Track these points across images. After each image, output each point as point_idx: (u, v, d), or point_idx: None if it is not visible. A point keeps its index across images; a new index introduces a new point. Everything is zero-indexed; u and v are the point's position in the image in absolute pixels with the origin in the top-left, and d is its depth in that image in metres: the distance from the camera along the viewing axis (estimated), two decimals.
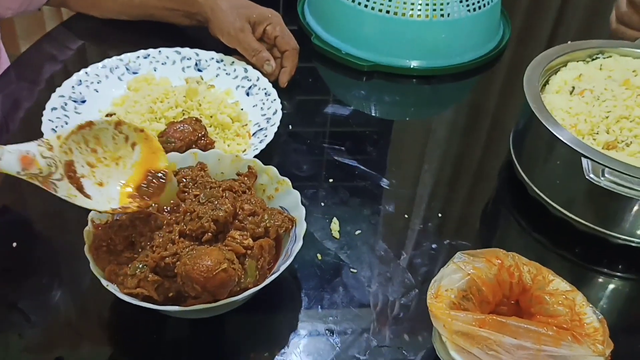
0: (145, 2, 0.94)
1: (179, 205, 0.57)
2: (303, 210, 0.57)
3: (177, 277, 0.49)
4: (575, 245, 0.68)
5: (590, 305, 0.53)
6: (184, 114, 0.74)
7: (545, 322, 0.52)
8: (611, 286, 0.67)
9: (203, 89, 0.78)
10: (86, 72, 0.81)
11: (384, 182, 0.74)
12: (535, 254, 0.66)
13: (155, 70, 0.85)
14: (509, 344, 0.49)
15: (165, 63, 0.86)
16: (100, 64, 0.83)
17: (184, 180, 0.58)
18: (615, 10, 0.91)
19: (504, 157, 0.78)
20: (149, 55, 0.86)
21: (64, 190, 0.51)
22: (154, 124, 0.72)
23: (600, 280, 0.67)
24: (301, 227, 0.56)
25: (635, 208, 0.64)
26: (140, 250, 0.51)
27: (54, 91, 0.77)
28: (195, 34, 0.94)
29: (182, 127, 0.69)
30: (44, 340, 0.55)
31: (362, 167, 0.76)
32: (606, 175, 0.62)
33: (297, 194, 0.59)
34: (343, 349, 0.56)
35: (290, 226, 0.56)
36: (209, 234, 0.52)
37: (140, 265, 0.50)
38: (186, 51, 0.87)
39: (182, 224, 0.52)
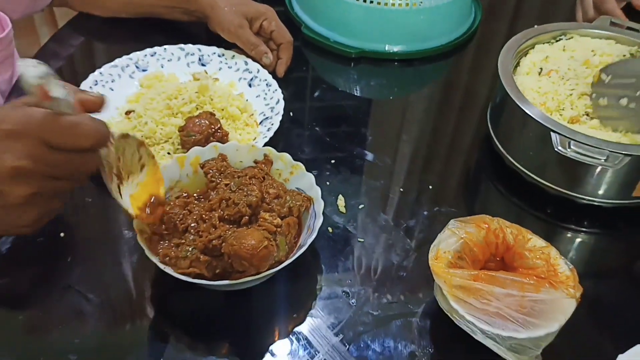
0: (146, 1, 1.00)
1: (207, 193, 0.65)
2: (319, 190, 0.66)
3: (225, 256, 0.58)
4: (547, 206, 0.79)
5: (562, 257, 0.63)
6: (197, 108, 0.81)
7: (526, 273, 0.63)
8: (578, 239, 0.77)
9: (211, 83, 0.86)
10: (100, 72, 0.88)
11: (379, 160, 0.84)
12: (513, 215, 0.77)
13: (162, 67, 0.92)
14: (499, 293, 0.59)
15: (171, 60, 0.93)
16: (111, 64, 0.89)
17: (211, 171, 0.67)
18: (580, 13, 1.00)
19: (483, 131, 0.88)
20: (155, 52, 0.93)
21: (115, 186, 0.59)
22: (172, 119, 0.80)
23: (569, 234, 0.78)
24: (319, 204, 0.65)
25: (596, 173, 0.74)
26: (184, 235, 0.60)
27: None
28: (195, 29, 1.01)
29: (199, 122, 0.77)
30: (100, 316, 0.63)
31: (358, 148, 0.85)
32: (572, 147, 0.72)
33: (310, 176, 0.68)
34: (358, 307, 0.66)
35: (309, 204, 0.65)
36: (246, 217, 0.61)
37: (190, 249, 0.58)
38: (189, 47, 0.94)
39: (220, 210, 0.61)
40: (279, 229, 0.61)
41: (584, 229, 0.78)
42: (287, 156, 0.70)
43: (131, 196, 0.60)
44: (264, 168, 0.69)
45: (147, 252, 0.59)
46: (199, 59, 0.94)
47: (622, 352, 0.58)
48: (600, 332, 0.65)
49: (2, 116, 0.50)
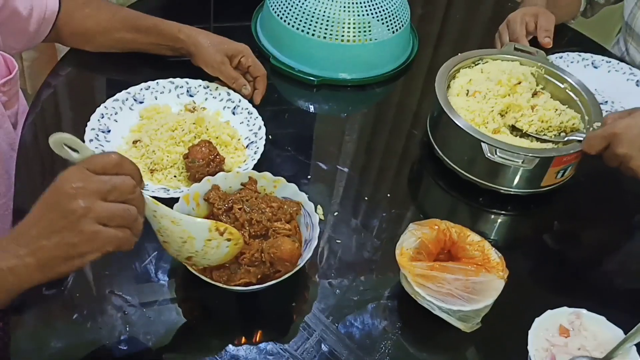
0: (134, 38, 1.12)
1: (218, 218, 0.81)
2: (304, 194, 0.83)
3: (267, 262, 0.75)
4: (478, 197, 1.00)
5: (493, 248, 0.83)
6: (196, 137, 0.97)
7: (467, 262, 0.82)
8: (502, 221, 1.00)
9: (205, 115, 1.01)
10: (105, 106, 1.01)
11: (346, 173, 1.02)
12: (452, 206, 0.97)
13: (156, 99, 1.06)
14: (449, 278, 0.78)
15: (163, 92, 1.07)
16: (113, 98, 1.03)
17: (215, 200, 0.82)
18: (499, 43, 1.20)
19: (424, 140, 1.07)
20: (149, 86, 1.06)
21: None
22: (176, 148, 0.95)
23: (495, 217, 1.00)
24: (310, 205, 0.82)
25: (515, 170, 0.95)
26: None
27: (80, 123, 0.97)
28: (178, 62, 1.14)
29: (201, 149, 0.92)
30: (140, 315, 0.79)
31: (328, 164, 1.03)
32: (498, 153, 0.92)
33: (292, 185, 0.84)
34: (341, 294, 0.84)
35: (300, 208, 0.83)
36: (269, 229, 0.78)
37: (240, 266, 0.76)
38: (178, 81, 1.08)
39: (248, 229, 0.78)
40: (290, 232, 0.79)
41: (506, 213, 1.00)
42: (267, 174, 0.86)
43: None
44: (253, 187, 0.85)
45: (206, 279, 0.75)
46: (187, 91, 1.08)
47: (538, 316, 0.78)
48: (521, 300, 0.85)
49: (68, 176, 0.62)
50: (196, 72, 1.10)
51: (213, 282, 0.76)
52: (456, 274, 0.79)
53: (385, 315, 0.83)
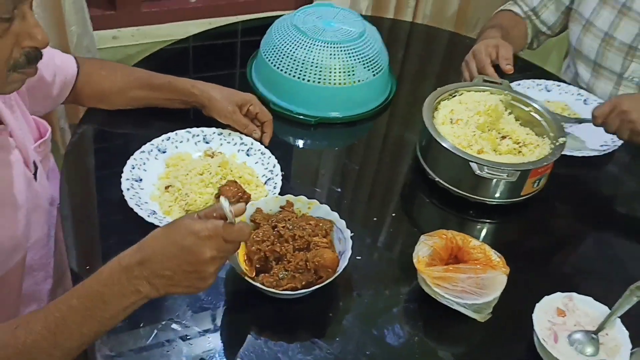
0: (148, 95, 1.22)
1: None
2: (335, 214, 0.96)
3: (311, 270, 0.88)
4: (469, 210, 1.14)
5: (494, 250, 0.97)
6: (222, 178, 1.08)
7: (473, 263, 0.96)
8: (492, 228, 1.14)
9: (226, 157, 1.12)
10: (134, 158, 1.11)
11: (351, 198, 1.15)
12: (447, 220, 1.10)
13: (177, 148, 1.17)
14: (463, 277, 0.92)
15: (182, 141, 1.18)
16: (140, 150, 1.13)
17: (261, 221, 0.95)
18: (467, 73, 1.36)
19: (415, 164, 1.21)
20: (170, 137, 1.17)
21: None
22: (206, 189, 1.06)
23: (486, 226, 1.14)
24: (341, 223, 0.95)
25: (500, 183, 1.09)
26: (273, 263, 0.90)
27: (109, 177, 1.07)
28: (187, 113, 1.25)
29: (230, 188, 1.04)
30: (192, 320, 0.89)
31: (337, 189, 1.15)
32: (485, 170, 1.07)
33: (325, 206, 0.98)
34: (369, 302, 0.96)
35: (332, 225, 0.96)
36: (310, 243, 0.91)
37: (286, 272, 0.88)
38: (194, 130, 1.19)
39: (292, 243, 0.90)
40: (328, 245, 0.91)
41: (493, 221, 1.15)
42: (303, 197, 0.99)
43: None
44: (290, 209, 0.98)
45: (250, 280, 0.87)
46: (204, 138, 1.19)
47: (537, 302, 0.92)
48: (521, 291, 0.98)
49: (201, 226, 0.75)
50: (204, 121, 1.20)
51: (264, 288, 0.87)
52: (467, 273, 0.92)
53: (409, 317, 0.95)
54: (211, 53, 1.55)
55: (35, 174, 1.04)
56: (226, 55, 1.55)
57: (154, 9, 1.83)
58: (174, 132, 1.18)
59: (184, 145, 1.18)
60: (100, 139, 1.23)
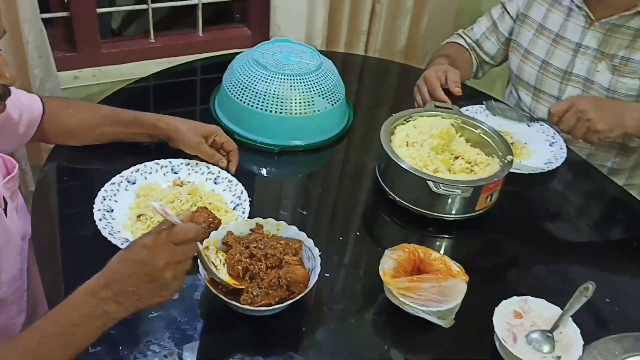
0: (115, 131, 1.25)
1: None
2: (303, 233, 1.01)
3: (283, 286, 0.91)
4: (428, 226, 1.20)
5: (452, 261, 1.03)
6: (193, 205, 1.11)
7: (436, 274, 1.02)
8: (451, 243, 1.20)
9: (195, 185, 1.16)
10: (105, 190, 1.14)
11: (316, 220, 1.19)
12: (408, 237, 1.16)
13: (146, 179, 1.20)
14: (426, 286, 0.97)
15: (151, 172, 1.21)
16: (110, 182, 1.15)
17: (232, 244, 0.99)
18: (419, 97, 1.44)
19: (374, 186, 1.27)
20: (139, 169, 1.20)
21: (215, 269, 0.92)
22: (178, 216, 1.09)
23: (442, 241, 1.20)
24: (309, 241, 0.99)
25: (455, 199, 1.16)
26: (249, 280, 0.93)
27: (81, 210, 1.10)
28: (152, 146, 1.29)
29: (201, 214, 1.07)
30: (171, 341, 0.91)
31: (303, 212, 1.20)
32: (442, 187, 1.13)
33: (293, 227, 1.02)
34: (340, 316, 1.00)
35: (301, 244, 1.00)
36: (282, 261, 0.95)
37: (260, 289, 0.91)
38: (162, 161, 1.23)
39: (264, 261, 0.94)
40: (298, 263, 0.96)
41: (451, 236, 1.21)
42: (271, 220, 1.04)
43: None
44: (260, 232, 1.02)
45: (234, 303, 0.91)
46: (172, 169, 1.23)
47: (496, 307, 0.98)
48: (480, 297, 1.03)
49: (149, 237, 0.80)
50: (169, 153, 1.24)
51: (240, 305, 0.90)
52: (430, 282, 0.98)
53: (378, 327, 1.00)
54: (172, 90, 1.59)
55: (5, 210, 1.05)
56: (187, 92, 1.60)
57: (113, 49, 1.87)
58: (143, 164, 1.21)
59: (152, 176, 1.21)
60: (69, 174, 1.25)
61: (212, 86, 1.50)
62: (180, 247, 0.81)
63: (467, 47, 1.70)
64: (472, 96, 1.61)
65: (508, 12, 1.63)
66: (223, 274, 0.93)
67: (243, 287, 0.94)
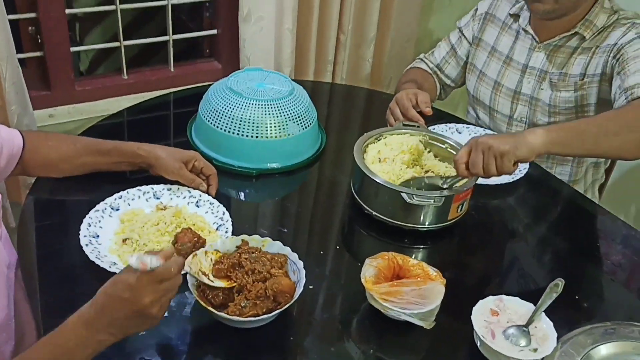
0: (96, 161, 1.27)
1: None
2: (288, 248, 1.04)
3: (271, 297, 0.93)
4: (404, 238, 1.24)
5: (431, 267, 1.08)
6: (177, 227, 1.14)
7: (415, 278, 1.06)
8: (427, 252, 1.25)
9: (178, 209, 1.19)
10: (89, 217, 1.16)
11: (296, 237, 1.23)
12: (386, 248, 1.19)
13: (129, 205, 1.22)
14: (407, 290, 1.01)
15: (134, 199, 1.24)
16: (94, 209, 1.18)
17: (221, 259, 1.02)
18: (392, 118, 1.50)
19: (350, 202, 1.32)
20: (122, 196, 1.22)
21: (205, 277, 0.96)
22: (163, 238, 1.12)
23: (417, 250, 1.24)
24: (294, 255, 1.03)
25: (428, 210, 1.21)
26: (235, 294, 0.95)
27: (66, 238, 1.12)
28: (132, 174, 1.31)
29: (186, 234, 1.10)
30: (162, 356, 0.93)
31: (279, 232, 1.24)
32: (415, 198, 1.19)
33: (278, 242, 1.06)
34: (324, 324, 1.04)
35: (286, 258, 1.03)
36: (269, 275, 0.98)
37: (247, 301, 0.93)
38: (144, 187, 1.26)
39: (251, 275, 0.97)
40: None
41: (426, 246, 1.26)
42: (256, 236, 1.07)
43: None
44: (246, 248, 1.05)
45: (223, 314, 0.94)
46: (154, 195, 1.26)
47: (473, 306, 1.03)
48: (458, 298, 1.08)
49: (134, 278, 0.83)
50: (149, 180, 1.27)
51: (229, 317, 0.93)
52: (410, 286, 1.02)
53: (362, 333, 1.04)
54: (146, 123, 1.63)
55: None
56: (161, 124, 1.64)
57: (87, 87, 1.90)
58: (125, 191, 1.24)
59: (135, 202, 1.24)
60: (51, 206, 1.26)
61: (185, 117, 1.54)
62: (166, 284, 0.85)
63: (430, 71, 1.78)
64: (438, 117, 1.68)
65: (465, 36, 1.72)
66: (216, 281, 0.95)
67: (236, 283, 0.97)
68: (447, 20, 2.24)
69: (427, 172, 1.30)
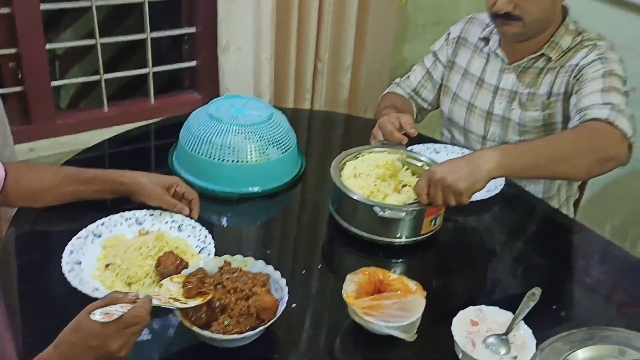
0: (77, 190, 1.28)
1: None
2: (270, 266, 1.06)
3: (254, 314, 0.94)
4: (379, 251, 1.26)
5: (412, 280, 1.10)
6: (159, 250, 1.15)
7: (396, 292, 1.08)
8: (402, 267, 1.27)
9: (161, 232, 1.20)
10: (71, 244, 1.17)
11: (280, 257, 1.25)
12: (363, 264, 1.21)
13: (111, 232, 1.23)
14: (388, 303, 1.03)
15: (116, 225, 1.25)
16: (76, 236, 1.18)
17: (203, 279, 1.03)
18: (379, 133, 1.53)
19: (329, 220, 1.34)
20: (104, 222, 1.23)
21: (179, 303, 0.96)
22: (146, 261, 1.12)
23: (395, 265, 1.26)
24: (276, 274, 1.04)
25: (401, 224, 1.24)
26: (220, 315, 0.96)
27: (50, 265, 1.12)
28: (110, 203, 1.32)
29: (169, 257, 1.11)
30: None
31: (265, 251, 1.25)
32: (387, 211, 1.21)
33: (261, 261, 1.07)
34: (308, 341, 1.05)
35: (268, 277, 1.05)
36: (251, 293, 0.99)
37: (230, 319, 0.94)
38: (127, 214, 1.27)
39: (234, 294, 0.98)
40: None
41: (405, 260, 1.28)
42: (239, 256, 1.08)
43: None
44: (229, 268, 1.06)
45: (207, 333, 0.94)
46: (136, 220, 1.27)
47: (453, 317, 1.05)
48: (438, 310, 1.09)
49: (100, 328, 0.84)
50: (130, 207, 1.28)
51: (213, 335, 0.94)
52: (392, 300, 1.04)
53: (346, 348, 1.05)
54: (127, 154, 1.64)
55: None
56: (142, 155, 1.66)
57: (68, 120, 1.92)
58: (107, 217, 1.25)
59: (117, 228, 1.24)
60: (33, 236, 1.27)
61: (166, 146, 1.55)
62: (132, 328, 0.86)
63: (406, 96, 1.82)
64: (416, 139, 1.71)
65: (439, 60, 1.77)
66: (190, 302, 0.96)
67: (212, 294, 0.98)
68: (420, 48, 2.30)
69: (404, 186, 1.32)
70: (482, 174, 1.20)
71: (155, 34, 1.99)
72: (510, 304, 1.08)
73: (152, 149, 1.72)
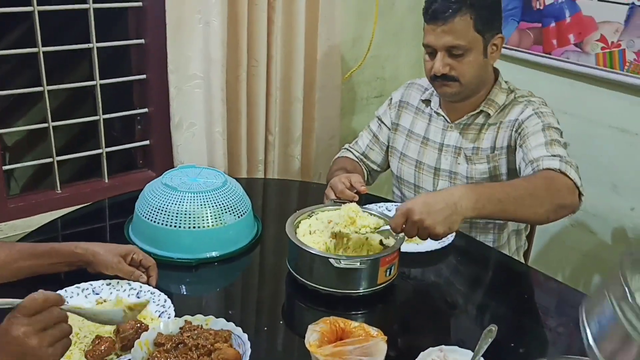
0: (32, 264, 1.26)
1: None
2: (232, 323, 1.06)
3: None
4: (337, 305, 1.27)
5: (373, 327, 1.11)
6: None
7: (358, 340, 1.09)
8: (359, 318, 1.25)
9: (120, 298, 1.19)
10: None
11: (248, 316, 1.25)
12: (323, 314, 1.21)
13: (67, 302, 1.21)
14: (350, 348, 1.04)
15: (72, 297, 1.23)
16: None
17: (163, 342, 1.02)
18: (331, 192, 1.58)
19: (288, 279, 1.35)
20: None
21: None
22: (105, 327, 1.11)
23: (354, 316, 1.26)
24: (238, 329, 1.04)
25: (357, 274, 1.26)
26: None
27: None
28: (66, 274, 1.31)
29: (128, 323, 1.10)
30: None
31: (228, 312, 1.25)
32: (342, 262, 1.23)
33: (222, 319, 1.07)
34: None
35: (230, 333, 1.04)
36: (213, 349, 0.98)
37: None
38: (83, 284, 1.25)
39: (195, 351, 0.97)
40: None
41: (364, 311, 1.30)
42: (200, 315, 1.09)
43: None
44: (190, 327, 1.06)
45: None
46: (93, 291, 1.25)
47: (415, 358, 1.06)
48: (399, 353, 1.11)
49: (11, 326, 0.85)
50: (86, 278, 1.27)
51: None
52: (354, 345, 1.05)
53: None
54: (82, 230, 1.63)
55: None
56: (96, 229, 1.65)
57: (20, 203, 1.90)
58: (63, 289, 1.23)
59: (74, 299, 1.23)
60: None
61: (121, 221, 1.56)
62: (38, 316, 0.86)
63: (356, 159, 1.90)
64: (366, 200, 1.77)
65: (384, 123, 1.87)
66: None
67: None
68: (366, 119, 2.38)
69: (362, 227, 1.35)
70: (458, 217, 1.24)
71: (108, 116, 2.03)
72: (469, 344, 1.10)
73: (107, 223, 1.72)
